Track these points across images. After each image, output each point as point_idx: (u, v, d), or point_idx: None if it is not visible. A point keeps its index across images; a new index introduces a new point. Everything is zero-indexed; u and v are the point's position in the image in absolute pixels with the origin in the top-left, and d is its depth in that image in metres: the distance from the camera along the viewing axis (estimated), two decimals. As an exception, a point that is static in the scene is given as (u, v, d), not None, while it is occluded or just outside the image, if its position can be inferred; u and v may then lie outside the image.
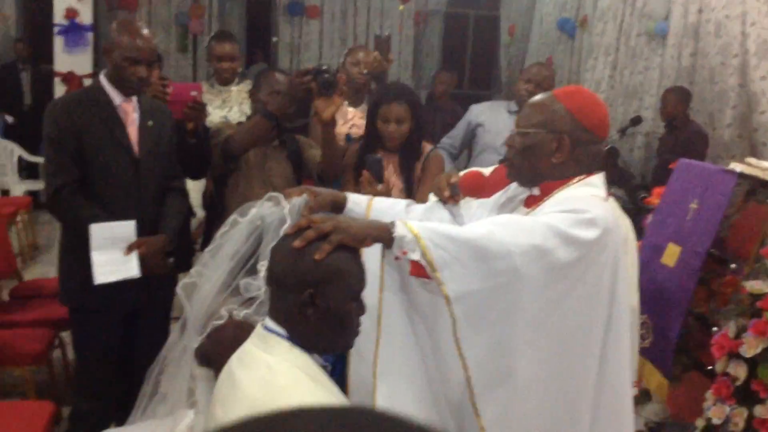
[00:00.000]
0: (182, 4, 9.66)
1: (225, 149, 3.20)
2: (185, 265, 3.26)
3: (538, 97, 2.19)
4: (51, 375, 4.02)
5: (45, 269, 6.18)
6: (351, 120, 4.04)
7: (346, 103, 4.08)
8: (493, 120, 4.10)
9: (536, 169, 2.12)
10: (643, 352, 3.38)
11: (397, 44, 9.99)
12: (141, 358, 2.47)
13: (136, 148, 3.11)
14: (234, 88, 4.26)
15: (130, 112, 3.11)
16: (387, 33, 3.93)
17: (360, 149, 3.30)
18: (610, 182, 5.82)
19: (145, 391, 2.04)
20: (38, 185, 8.02)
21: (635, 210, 4.79)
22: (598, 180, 2.14)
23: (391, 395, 2.04)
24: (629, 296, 2.38)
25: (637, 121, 5.87)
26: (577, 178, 2.10)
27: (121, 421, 2.60)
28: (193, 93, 3.31)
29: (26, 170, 8.60)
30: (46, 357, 3.88)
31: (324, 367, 1.72)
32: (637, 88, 7.31)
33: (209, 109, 4.12)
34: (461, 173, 2.45)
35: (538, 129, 2.10)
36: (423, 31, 10.87)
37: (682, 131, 6.09)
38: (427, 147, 3.36)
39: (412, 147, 3.25)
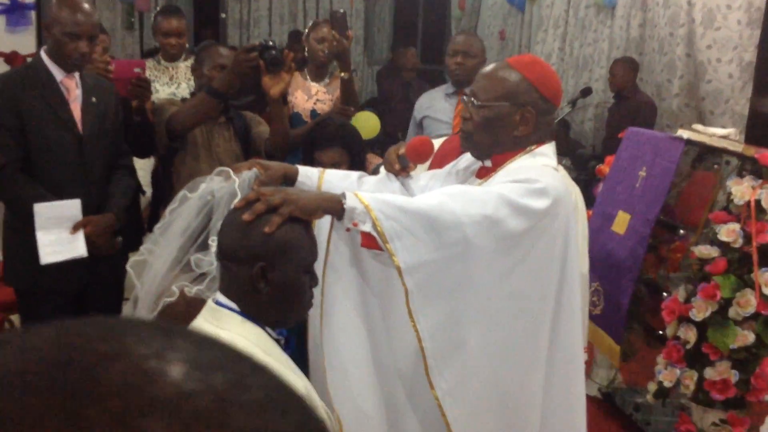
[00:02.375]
0: (127, -20, 9.46)
1: (169, 127, 3.14)
2: (135, 244, 3.21)
3: (492, 68, 2.15)
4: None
5: (-7, 253, 6.05)
6: (315, 95, 4.01)
7: (308, 78, 4.04)
8: (435, 108, 4.10)
9: (497, 141, 2.10)
10: (595, 319, 3.43)
11: (348, 20, 9.90)
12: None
13: (79, 125, 3.04)
14: (182, 64, 4.18)
15: (73, 89, 3.04)
16: (341, 10, 3.86)
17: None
18: (561, 153, 5.89)
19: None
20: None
21: (586, 179, 4.84)
22: (548, 149, 2.14)
23: (341, 370, 2.04)
24: (580, 264, 2.41)
25: (587, 92, 5.90)
26: (528, 149, 2.10)
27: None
28: (137, 70, 3.24)
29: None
30: (-5, 341, 3.80)
31: (277, 341, 1.70)
32: (587, 60, 7.36)
33: (156, 86, 4.05)
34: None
35: (501, 101, 2.07)
36: (374, 7, 10.81)
37: (630, 101, 6.16)
38: (374, 161, 3.32)
39: None
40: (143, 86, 3.24)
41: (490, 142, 2.11)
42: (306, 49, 4.10)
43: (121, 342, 0.42)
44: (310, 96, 3.99)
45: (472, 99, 2.12)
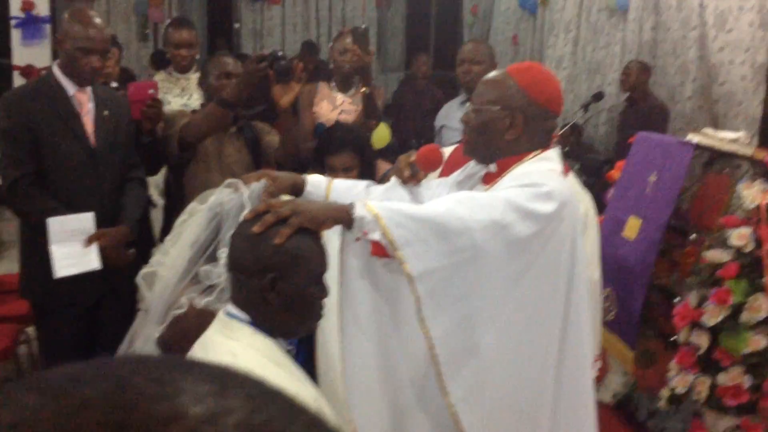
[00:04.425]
0: (141, -8, 9.53)
1: (181, 138, 3.17)
2: (146, 256, 3.24)
3: (491, 74, 2.21)
4: (18, 370, 3.98)
5: (10, 265, 6.09)
6: (340, 106, 4.04)
7: (335, 88, 4.08)
8: (450, 117, 4.12)
9: (491, 145, 2.14)
10: (608, 325, 3.42)
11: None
12: (106, 350, 2.46)
13: (92, 138, 3.07)
14: (193, 76, 4.21)
15: (85, 102, 3.07)
16: (364, 26, 3.90)
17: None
18: (574, 158, 5.86)
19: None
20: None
21: (599, 184, 4.83)
22: (554, 154, 2.16)
23: (357, 380, 2.05)
24: (589, 269, 2.41)
25: (599, 96, 5.89)
26: (533, 153, 2.12)
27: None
28: (151, 91, 3.28)
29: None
30: (13, 352, 3.84)
31: (288, 351, 1.72)
32: (599, 64, 7.34)
33: (168, 97, 4.09)
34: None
35: (492, 106, 2.11)
36: (386, 14, 10.84)
37: (642, 105, 6.14)
38: (383, 167, 3.33)
39: None
40: (156, 107, 3.26)
41: (484, 145, 2.15)
42: (330, 59, 4.14)
43: (176, 402, 0.42)
44: (335, 106, 4.03)
45: (470, 104, 2.17)
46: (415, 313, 1.92)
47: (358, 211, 1.86)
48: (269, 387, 0.47)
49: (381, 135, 3.85)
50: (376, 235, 1.87)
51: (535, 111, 2.11)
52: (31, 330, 3.86)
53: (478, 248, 1.90)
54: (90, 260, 2.97)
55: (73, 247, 2.95)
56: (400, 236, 1.86)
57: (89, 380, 0.42)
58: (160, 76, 4.31)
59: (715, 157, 3.35)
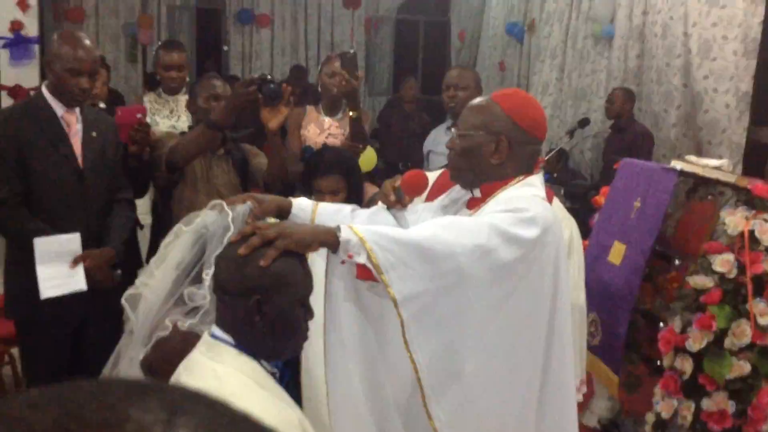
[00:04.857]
0: (130, 14, 9.57)
1: (169, 159, 3.18)
2: (132, 277, 3.23)
3: (476, 101, 2.24)
4: (1, 391, 3.95)
5: (-6, 285, 6.06)
6: (327, 129, 4.06)
7: (322, 112, 4.10)
8: (437, 141, 4.16)
9: (476, 169, 2.16)
10: (593, 350, 3.43)
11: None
12: (90, 371, 2.44)
13: (80, 159, 3.08)
14: (182, 98, 4.23)
15: (73, 124, 3.08)
16: (352, 50, 3.95)
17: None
18: (560, 183, 5.89)
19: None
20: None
21: (584, 210, 4.86)
22: (537, 180, 2.18)
23: (343, 401, 2.05)
24: (573, 294, 2.42)
25: (584, 123, 5.95)
26: (516, 179, 2.14)
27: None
28: (139, 115, 3.29)
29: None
30: (-4, 374, 3.82)
31: (273, 374, 1.71)
32: (585, 90, 7.42)
33: (157, 118, 4.10)
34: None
35: (477, 131, 2.14)
36: (374, 38, 10.92)
37: (627, 132, 6.20)
38: (370, 191, 3.34)
39: None
40: (143, 131, 3.27)
41: (469, 169, 2.17)
42: (319, 83, 4.17)
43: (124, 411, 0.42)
44: (322, 130, 4.04)
45: (454, 129, 2.20)
46: (400, 337, 1.93)
47: (344, 234, 1.87)
48: (230, 413, 0.46)
49: (368, 158, 3.87)
50: (361, 258, 1.87)
51: (520, 136, 2.13)
52: (15, 351, 3.83)
53: (463, 272, 1.91)
54: (76, 281, 2.97)
55: (59, 268, 2.94)
56: (385, 260, 1.86)
57: (43, 407, 0.43)
58: (149, 98, 4.32)
59: (699, 184, 3.38)
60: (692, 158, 3.46)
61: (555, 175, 6.15)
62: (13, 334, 3.44)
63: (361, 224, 2.01)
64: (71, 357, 3.20)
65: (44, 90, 3.07)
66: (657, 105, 6.33)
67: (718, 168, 3.27)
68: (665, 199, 3.25)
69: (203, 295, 1.86)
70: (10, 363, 4.06)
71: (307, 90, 7.28)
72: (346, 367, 2.05)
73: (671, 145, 6.09)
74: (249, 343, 1.67)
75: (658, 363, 3.25)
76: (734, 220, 2.97)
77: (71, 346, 3.20)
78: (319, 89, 4.22)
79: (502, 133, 2.11)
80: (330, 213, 2.26)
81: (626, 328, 3.30)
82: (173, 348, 1.89)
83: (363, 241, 1.86)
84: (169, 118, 4.21)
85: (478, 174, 2.16)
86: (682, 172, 3.30)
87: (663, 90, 6.24)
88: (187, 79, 4.42)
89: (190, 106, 3.48)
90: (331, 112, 4.12)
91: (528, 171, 2.16)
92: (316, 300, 1.87)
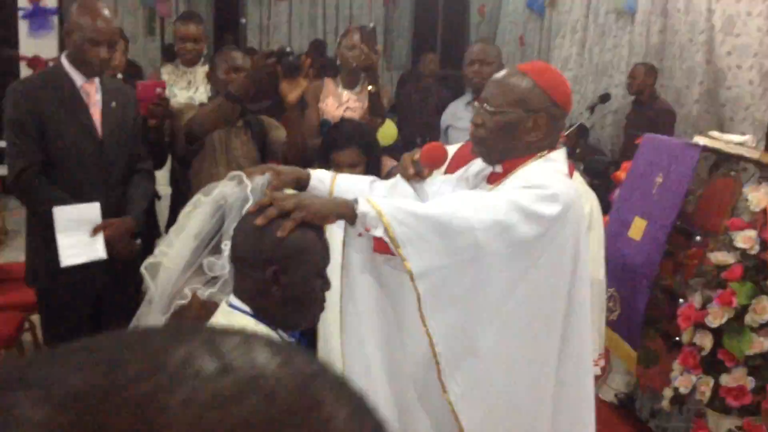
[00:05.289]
0: (149, -14, 9.55)
1: (188, 131, 3.17)
2: (151, 247, 3.25)
3: (504, 74, 2.14)
4: (22, 358, 3.99)
5: (15, 254, 6.10)
6: (346, 103, 4.04)
7: (341, 85, 4.08)
8: (457, 117, 4.12)
9: (509, 147, 2.09)
10: (611, 325, 3.42)
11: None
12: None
13: (99, 130, 3.08)
14: (200, 69, 4.22)
15: (93, 94, 3.08)
16: (371, 24, 3.92)
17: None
18: (580, 159, 5.85)
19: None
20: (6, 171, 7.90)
21: (604, 186, 4.83)
22: (559, 155, 2.13)
23: (359, 371, 2.05)
24: (592, 269, 2.40)
25: (605, 98, 5.90)
26: (539, 154, 2.09)
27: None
28: (158, 90, 3.29)
29: (-6, 156, 8.46)
30: (17, 340, 3.85)
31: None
32: (606, 66, 7.34)
33: (174, 90, 4.09)
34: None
35: (513, 108, 2.06)
36: (393, 12, 10.84)
37: (649, 108, 6.14)
38: (388, 164, 3.32)
39: None
40: (162, 106, 3.27)
41: (503, 148, 2.10)
42: (337, 56, 4.14)
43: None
44: (340, 103, 4.02)
45: (485, 105, 2.11)
46: (416, 310, 1.92)
47: (362, 207, 1.86)
48: (270, 341, 0.46)
49: (388, 132, 3.85)
50: (378, 232, 1.87)
51: (556, 112, 2.08)
52: (35, 318, 3.87)
53: (480, 248, 1.89)
54: (96, 250, 2.99)
55: (79, 237, 2.96)
56: (402, 233, 1.85)
57: (81, 363, 0.42)
58: (167, 69, 4.31)
59: (722, 160, 3.35)
60: (715, 134, 3.42)
61: (578, 150, 6.11)
62: (34, 301, 3.48)
63: (379, 197, 2.00)
64: (91, 324, 3.23)
65: (64, 60, 3.07)
66: (679, 81, 6.25)
67: (741, 144, 3.23)
68: (688, 175, 3.22)
69: (222, 265, 1.86)
70: (30, 330, 4.10)
71: (326, 65, 7.24)
72: (362, 338, 2.05)
73: (693, 122, 6.02)
74: (266, 313, 1.67)
75: (677, 339, 3.24)
76: (757, 196, 2.94)
77: (91, 314, 3.23)
78: (338, 62, 4.19)
79: (540, 111, 2.05)
80: (348, 185, 2.24)
81: (645, 303, 3.28)
82: (192, 316, 1.90)
83: (380, 214, 1.85)
84: (186, 89, 4.20)
85: (508, 151, 2.10)
86: (705, 148, 3.27)
87: (685, 66, 6.17)
88: (205, 51, 4.40)
89: (210, 77, 3.47)
90: (349, 85, 4.10)
91: (551, 146, 2.12)
92: (334, 271, 1.87)
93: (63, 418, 0.39)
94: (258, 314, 1.67)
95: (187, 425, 0.39)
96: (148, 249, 3.15)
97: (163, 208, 3.84)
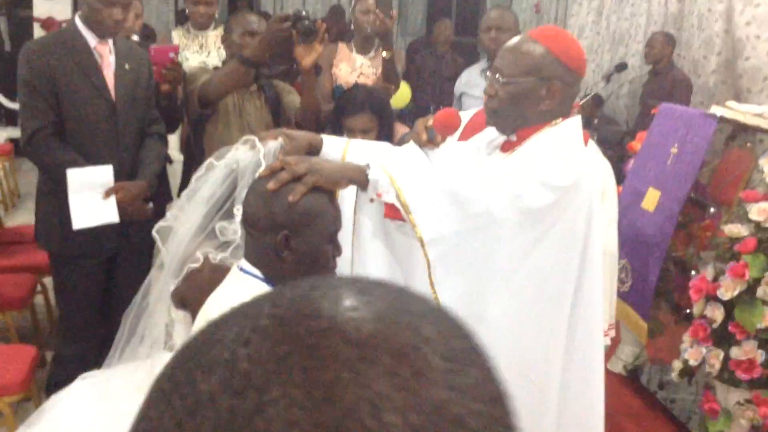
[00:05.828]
0: (163, -52, 9.48)
1: (201, 95, 3.16)
2: (164, 210, 3.25)
3: (516, 42, 2.10)
4: (34, 320, 4.03)
5: (27, 216, 6.13)
6: (359, 68, 4.01)
7: (354, 50, 4.05)
8: (471, 84, 4.09)
9: (523, 116, 2.06)
10: (623, 296, 3.41)
11: (383, -10, 9.86)
12: (122, 303, 2.47)
13: (112, 91, 3.07)
14: (211, 33, 4.19)
15: (106, 55, 3.06)
16: None
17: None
18: (595, 128, 5.80)
19: (121, 333, 2.04)
20: (20, 132, 7.91)
21: (618, 156, 4.80)
22: (574, 123, 2.10)
23: None
24: (605, 241, 2.39)
25: (621, 67, 5.83)
26: (553, 122, 2.07)
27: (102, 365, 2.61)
28: (172, 55, 3.27)
29: (7, 117, 8.47)
30: (29, 302, 3.88)
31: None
32: (623, 34, 7.25)
33: (186, 54, 4.07)
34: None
35: (526, 77, 2.02)
36: (408, -22, 10.74)
37: (665, 78, 6.07)
38: (401, 130, 3.31)
39: None
40: (175, 71, 3.26)
41: (517, 117, 2.07)
42: (352, 21, 4.11)
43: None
44: (354, 68, 4.00)
45: (497, 76, 2.07)
46: (426, 277, 1.92)
47: (374, 173, 1.85)
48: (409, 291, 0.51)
49: (401, 94, 3.83)
50: (389, 197, 1.86)
51: (570, 78, 2.04)
52: (47, 280, 3.90)
53: (492, 216, 1.88)
54: (108, 213, 2.99)
55: (91, 199, 2.96)
56: (414, 200, 1.85)
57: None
58: (178, 32, 4.29)
59: (738, 131, 3.31)
60: (733, 104, 3.38)
61: (595, 121, 6.06)
62: (46, 264, 3.49)
63: (391, 163, 1.99)
64: (102, 287, 3.25)
65: (77, 21, 3.05)
66: (697, 51, 6.17)
67: (759, 115, 3.19)
68: (703, 146, 3.19)
69: (234, 230, 1.87)
70: (42, 292, 4.13)
71: (344, 31, 7.19)
72: None
73: (710, 93, 5.95)
74: (277, 277, 1.67)
75: (687, 311, 3.23)
76: (773, 168, 2.91)
77: (102, 276, 3.24)
78: (352, 27, 4.16)
79: (554, 78, 2.01)
80: (362, 151, 2.23)
81: (657, 275, 3.27)
82: (203, 280, 1.90)
83: (392, 180, 1.84)
84: (198, 53, 4.18)
85: (522, 120, 2.07)
86: (722, 119, 3.23)
87: (704, 36, 6.08)
88: (217, 14, 4.37)
89: (225, 41, 3.45)
90: (363, 50, 4.07)
91: (565, 113, 2.10)
92: (345, 238, 1.86)
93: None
94: (269, 279, 1.67)
95: None
96: (160, 213, 3.15)
97: (175, 172, 3.83)
